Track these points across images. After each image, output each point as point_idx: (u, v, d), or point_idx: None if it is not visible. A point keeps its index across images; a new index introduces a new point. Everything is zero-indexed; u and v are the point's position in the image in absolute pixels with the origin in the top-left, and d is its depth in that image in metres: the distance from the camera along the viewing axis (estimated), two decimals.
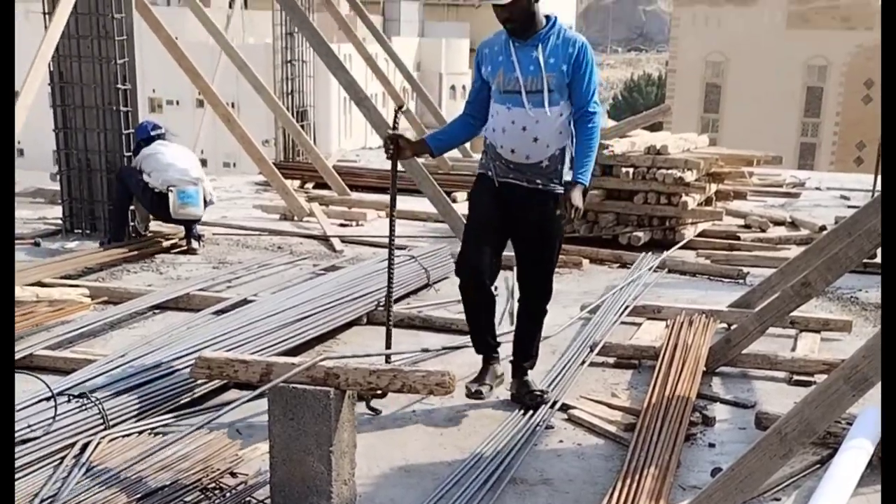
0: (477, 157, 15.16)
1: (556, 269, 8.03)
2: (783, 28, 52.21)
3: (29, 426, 4.16)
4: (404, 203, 8.65)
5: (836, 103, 52.43)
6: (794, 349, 5.93)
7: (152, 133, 8.56)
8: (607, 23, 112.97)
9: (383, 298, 6.48)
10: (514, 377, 5.17)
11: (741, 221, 10.30)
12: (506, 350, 5.28)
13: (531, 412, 4.91)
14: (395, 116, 5.18)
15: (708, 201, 9.85)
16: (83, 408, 4.43)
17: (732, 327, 6.05)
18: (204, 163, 9.90)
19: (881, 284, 3.15)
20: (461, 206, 10.33)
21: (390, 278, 5.11)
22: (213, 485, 4.03)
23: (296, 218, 10.11)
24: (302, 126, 12.87)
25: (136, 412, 4.63)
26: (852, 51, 51.19)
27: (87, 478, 3.91)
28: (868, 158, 44.44)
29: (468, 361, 5.60)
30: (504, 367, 5.23)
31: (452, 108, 51.56)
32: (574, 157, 4.78)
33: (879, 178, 12.29)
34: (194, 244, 8.54)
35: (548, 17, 4.75)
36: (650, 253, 8.42)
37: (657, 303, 6.85)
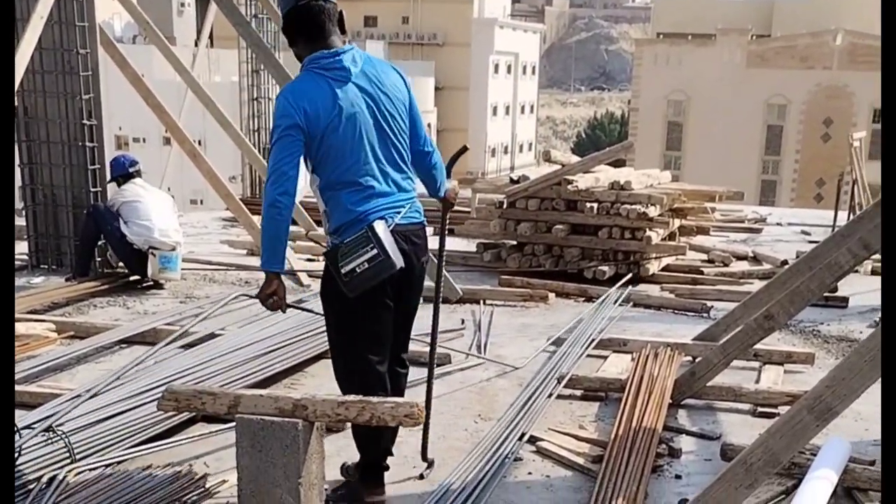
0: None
1: (523, 304, 8.17)
2: (743, 67, 52.93)
3: None
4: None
5: (796, 141, 53.12)
6: (757, 381, 6.00)
7: (130, 169, 8.52)
8: (570, 62, 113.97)
9: None
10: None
11: (704, 256, 10.40)
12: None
13: (500, 443, 4.92)
14: (458, 156, 4.84)
15: (671, 236, 9.95)
16: (49, 442, 4.40)
17: (697, 360, 6.11)
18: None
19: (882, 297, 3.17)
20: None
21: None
22: None
23: None
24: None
25: (102, 446, 4.60)
26: (811, 90, 51.97)
27: None
28: (828, 195, 44.99)
29: (437, 392, 5.64)
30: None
31: None
32: None
33: (841, 212, 12.55)
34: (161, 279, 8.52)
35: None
36: (615, 287, 8.48)
37: (623, 336, 6.90)
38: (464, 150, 4.93)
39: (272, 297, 4.16)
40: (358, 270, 3.89)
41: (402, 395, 4.44)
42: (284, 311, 4.32)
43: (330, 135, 3.94)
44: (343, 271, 3.91)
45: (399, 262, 3.93)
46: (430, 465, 4.73)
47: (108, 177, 8.70)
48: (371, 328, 4.15)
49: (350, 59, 4.02)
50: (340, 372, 4.27)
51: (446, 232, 4.78)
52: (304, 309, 5.36)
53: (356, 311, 4.06)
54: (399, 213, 4.06)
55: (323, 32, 4.02)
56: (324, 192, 4.07)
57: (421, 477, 4.65)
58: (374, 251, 3.88)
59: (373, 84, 4.07)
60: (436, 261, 4.75)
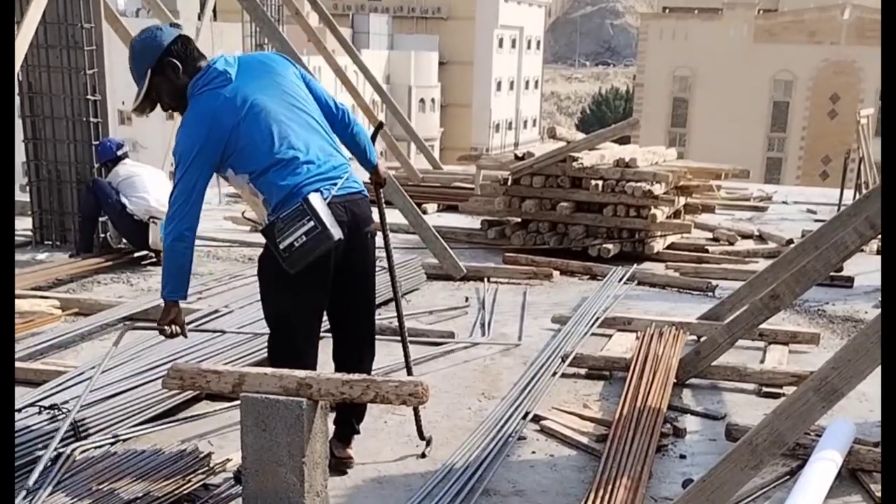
0: (448, 167, 15.20)
1: (528, 282, 8.15)
2: (750, 42, 52.58)
3: None
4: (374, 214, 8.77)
5: (802, 118, 52.83)
6: (763, 361, 5.98)
7: (118, 153, 8.46)
8: (575, 36, 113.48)
9: None
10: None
11: (709, 234, 10.37)
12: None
13: (504, 422, 4.92)
14: (375, 133, 4.92)
15: (677, 214, 9.92)
16: (54, 419, 4.40)
17: (702, 339, 6.10)
18: (172, 176, 9.87)
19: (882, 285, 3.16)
20: (431, 218, 10.37)
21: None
22: (186, 497, 4.02)
23: None
24: None
25: (107, 423, 4.60)
26: (818, 65, 51.63)
27: (58, 490, 3.87)
28: (833, 173, 44.81)
29: (441, 371, 5.65)
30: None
31: (421, 121, 51.51)
32: None
33: (847, 191, 12.49)
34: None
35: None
36: (620, 265, 8.45)
37: (627, 314, 6.88)
38: (380, 126, 4.97)
39: (172, 325, 4.18)
40: (296, 244, 3.87)
41: None
42: (186, 337, 4.38)
43: (236, 134, 3.96)
44: (281, 247, 3.90)
45: (337, 233, 3.90)
46: (429, 442, 4.73)
47: (96, 163, 8.65)
48: (308, 309, 4.16)
49: (222, 63, 4.06)
50: (275, 355, 4.23)
51: (385, 213, 4.89)
52: (206, 330, 5.55)
53: (294, 291, 4.05)
54: (335, 184, 4.04)
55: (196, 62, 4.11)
56: (255, 182, 4.07)
57: (423, 455, 4.65)
58: (312, 223, 3.86)
59: (259, 70, 4.10)
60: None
